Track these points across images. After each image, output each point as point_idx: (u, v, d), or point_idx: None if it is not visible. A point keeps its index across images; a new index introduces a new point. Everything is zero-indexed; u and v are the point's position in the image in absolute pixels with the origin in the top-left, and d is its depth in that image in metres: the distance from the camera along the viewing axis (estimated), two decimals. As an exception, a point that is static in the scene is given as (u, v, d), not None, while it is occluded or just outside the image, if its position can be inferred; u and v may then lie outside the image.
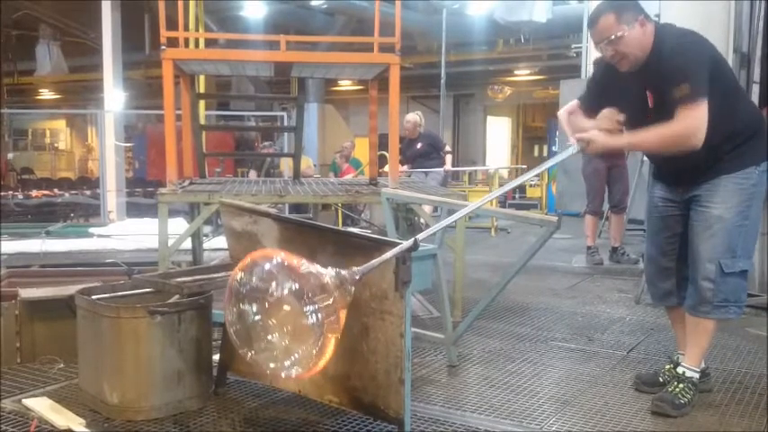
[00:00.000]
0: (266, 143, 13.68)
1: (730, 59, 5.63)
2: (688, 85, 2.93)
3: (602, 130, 3.16)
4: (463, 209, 3.34)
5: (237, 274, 2.58)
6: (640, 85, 3.13)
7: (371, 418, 2.97)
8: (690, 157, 3.05)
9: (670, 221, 3.37)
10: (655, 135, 3.05)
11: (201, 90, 8.90)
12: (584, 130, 3.22)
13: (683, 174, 3.17)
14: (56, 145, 27.07)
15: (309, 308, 2.40)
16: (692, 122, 2.95)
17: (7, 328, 3.78)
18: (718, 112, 3.01)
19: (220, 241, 6.11)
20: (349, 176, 10.18)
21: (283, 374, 2.59)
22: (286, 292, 2.45)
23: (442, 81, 12.83)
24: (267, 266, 2.51)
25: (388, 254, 2.63)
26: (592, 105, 3.37)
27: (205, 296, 3.28)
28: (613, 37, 3.03)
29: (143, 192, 12.76)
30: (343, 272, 2.48)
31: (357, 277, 2.51)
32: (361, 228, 8.95)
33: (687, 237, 3.28)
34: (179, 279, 3.41)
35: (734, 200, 3.10)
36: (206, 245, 6.00)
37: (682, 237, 3.34)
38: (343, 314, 2.47)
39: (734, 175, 3.11)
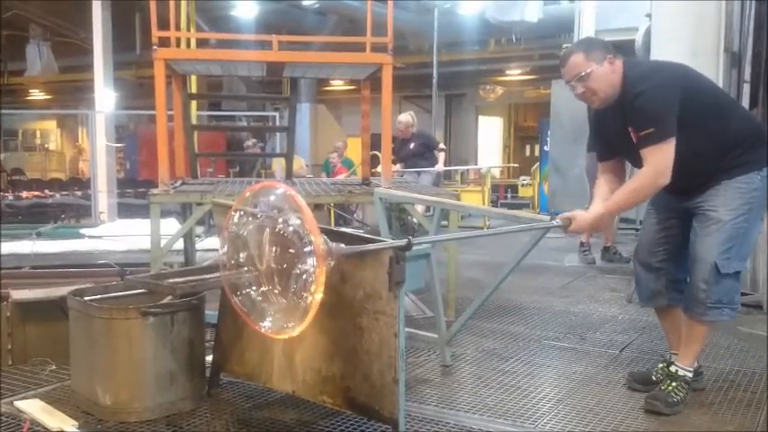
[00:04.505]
0: (249, 142, 13.60)
1: (721, 59, 5.67)
2: (652, 130, 3.03)
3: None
4: (458, 233, 3.36)
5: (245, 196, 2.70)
6: (622, 123, 3.18)
7: (366, 419, 2.97)
8: (690, 174, 3.13)
9: (666, 224, 3.39)
10: (625, 193, 3.19)
11: (193, 90, 8.88)
12: None
13: (684, 186, 3.20)
14: (46, 146, 26.96)
15: (308, 248, 2.45)
16: (656, 163, 3.05)
17: (-1, 329, 3.76)
18: (710, 133, 3.14)
19: (213, 242, 6.10)
20: (341, 176, 10.17)
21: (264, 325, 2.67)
22: (290, 225, 2.51)
23: (434, 81, 12.82)
24: (272, 198, 2.62)
25: (379, 245, 2.69)
26: (596, 147, 3.51)
27: (198, 297, 3.27)
28: (583, 74, 3.13)
29: (134, 192, 12.70)
30: (332, 243, 2.53)
31: (341, 253, 2.58)
32: (353, 228, 8.95)
33: (682, 239, 3.32)
34: (172, 280, 3.39)
35: (734, 203, 3.13)
36: (198, 245, 5.98)
37: (675, 239, 3.36)
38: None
39: (735, 180, 3.14)
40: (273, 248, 2.58)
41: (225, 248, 2.78)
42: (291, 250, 2.51)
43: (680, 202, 3.30)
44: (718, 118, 3.18)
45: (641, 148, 3.08)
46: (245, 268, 2.69)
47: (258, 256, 2.64)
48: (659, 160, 3.04)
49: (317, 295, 2.45)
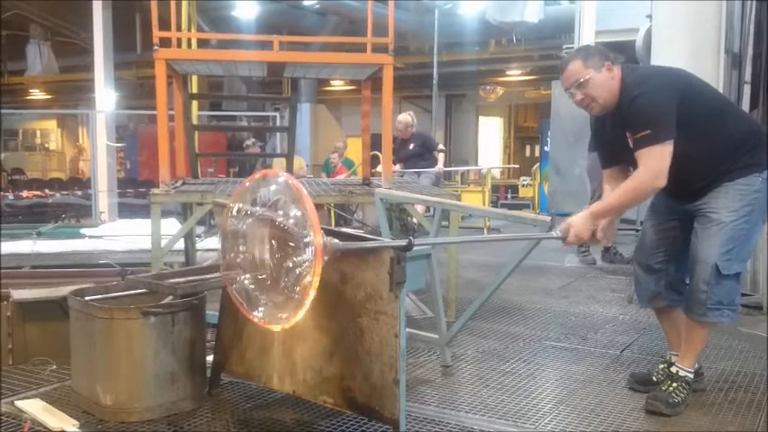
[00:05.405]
0: (249, 141, 13.59)
1: (722, 60, 5.67)
2: (648, 132, 3.03)
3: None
4: (459, 237, 3.36)
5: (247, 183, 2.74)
6: (621, 129, 3.18)
7: (366, 419, 2.97)
8: (691, 177, 3.15)
9: (667, 226, 3.39)
10: (622, 192, 3.16)
11: (194, 90, 8.88)
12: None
13: (685, 189, 3.21)
14: (47, 145, 26.97)
15: (308, 239, 2.45)
16: (651, 165, 3.04)
17: (-1, 329, 3.76)
18: (710, 136, 3.14)
19: (213, 242, 6.10)
20: (342, 177, 10.17)
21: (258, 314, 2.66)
22: (292, 215, 2.51)
23: (434, 81, 12.84)
24: (273, 187, 2.62)
25: (374, 243, 2.70)
26: (599, 155, 3.51)
27: (198, 297, 3.26)
28: (582, 80, 3.14)
29: (135, 192, 12.71)
30: (327, 238, 2.53)
31: (336, 249, 2.57)
32: (353, 228, 8.94)
33: (682, 241, 3.32)
34: (172, 280, 3.39)
35: (736, 204, 3.13)
36: (199, 245, 5.98)
37: (676, 241, 3.36)
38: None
39: (736, 182, 3.15)
40: (273, 238, 2.59)
41: (224, 238, 2.78)
42: (291, 243, 2.51)
43: (681, 204, 3.30)
44: (718, 121, 3.19)
45: (637, 150, 3.08)
46: (241, 257, 2.69)
47: (257, 245, 2.65)
48: (655, 162, 3.04)
49: (312, 288, 2.45)
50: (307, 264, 2.46)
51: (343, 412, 3.00)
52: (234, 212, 2.73)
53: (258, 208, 2.65)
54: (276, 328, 2.71)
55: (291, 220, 2.52)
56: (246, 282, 2.70)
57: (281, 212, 2.56)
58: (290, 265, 2.52)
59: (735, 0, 5.69)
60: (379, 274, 2.67)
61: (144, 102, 18.21)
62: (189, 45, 8.63)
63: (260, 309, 2.68)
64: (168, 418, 3.09)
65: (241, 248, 2.71)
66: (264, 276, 2.64)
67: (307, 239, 2.46)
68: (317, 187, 5.46)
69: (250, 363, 3.25)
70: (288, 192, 2.56)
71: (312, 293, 2.45)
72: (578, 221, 3.17)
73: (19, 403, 3.19)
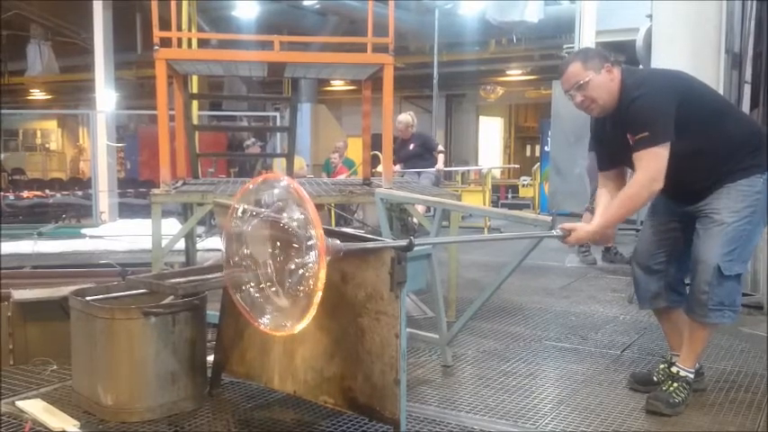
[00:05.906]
0: (249, 141, 13.57)
1: (722, 59, 5.67)
2: (646, 133, 3.04)
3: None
4: (460, 236, 3.36)
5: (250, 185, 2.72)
6: (621, 131, 3.19)
7: (367, 419, 2.97)
8: (692, 179, 3.16)
9: (667, 227, 3.40)
10: (621, 201, 3.17)
11: (194, 90, 8.88)
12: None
13: (686, 191, 3.21)
14: (47, 145, 26.96)
15: (311, 242, 2.45)
16: (648, 167, 3.05)
17: (0, 329, 3.76)
18: (711, 138, 3.15)
19: (213, 242, 6.11)
20: (342, 176, 10.17)
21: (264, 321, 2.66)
22: (294, 218, 2.51)
23: (435, 81, 12.84)
24: (276, 191, 2.61)
25: (376, 243, 2.71)
26: (597, 157, 3.52)
27: (199, 297, 3.27)
28: (581, 82, 3.16)
29: (135, 192, 12.71)
30: (329, 239, 2.53)
31: (337, 250, 2.57)
32: (354, 228, 8.94)
33: (683, 242, 3.33)
34: (173, 280, 3.40)
35: (737, 205, 3.13)
36: (199, 245, 5.98)
37: (676, 242, 3.37)
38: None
39: (738, 183, 3.15)
40: (275, 243, 2.59)
41: (227, 243, 2.78)
42: (295, 245, 2.51)
43: (681, 206, 3.30)
44: (719, 123, 3.19)
45: (634, 152, 3.09)
46: (245, 262, 2.69)
47: (259, 250, 2.64)
48: (651, 165, 3.04)
49: (317, 291, 2.44)
50: (310, 265, 2.46)
51: (344, 412, 3.00)
52: (238, 214, 2.73)
53: (263, 209, 2.65)
54: (280, 334, 2.71)
55: (294, 223, 2.52)
56: (251, 288, 2.70)
57: (284, 215, 2.56)
58: (294, 266, 2.52)
59: (735, 0, 5.70)
60: (380, 274, 2.67)
61: (144, 102, 18.20)
62: (189, 45, 8.62)
63: (266, 316, 2.67)
64: (169, 418, 3.10)
65: (245, 250, 2.71)
66: (268, 280, 2.63)
67: (309, 242, 2.46)
68: (317, 187, 5.46)
69: (251, 363, 3.25)
70: (290, 196, 2.56)
71: (316, 301, 2.45)
72: (582, 234, 3.19)
73: (20, 403, 3.19)
